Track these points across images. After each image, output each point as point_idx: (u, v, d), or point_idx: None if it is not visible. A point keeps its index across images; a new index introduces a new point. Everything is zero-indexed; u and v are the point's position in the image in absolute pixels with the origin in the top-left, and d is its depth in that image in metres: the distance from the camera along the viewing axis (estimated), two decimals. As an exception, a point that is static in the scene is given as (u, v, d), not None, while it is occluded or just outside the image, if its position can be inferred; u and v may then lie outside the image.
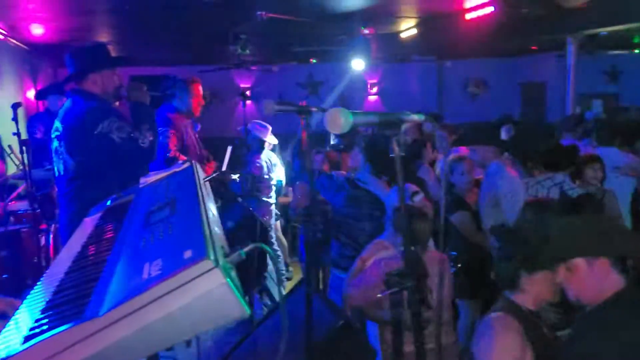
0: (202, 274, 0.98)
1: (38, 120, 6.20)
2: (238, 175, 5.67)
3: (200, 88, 4.47)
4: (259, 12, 6.68)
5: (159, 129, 3.87)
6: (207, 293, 0.98)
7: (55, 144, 3.11)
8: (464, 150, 5.36)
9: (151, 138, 3.03)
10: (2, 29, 7.08)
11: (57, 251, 4.36)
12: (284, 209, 7.05)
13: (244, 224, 3.94)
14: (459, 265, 3.98)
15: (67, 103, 3.17)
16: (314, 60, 13.15)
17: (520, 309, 2.26)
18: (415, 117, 1.61)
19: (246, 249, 1.15)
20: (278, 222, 6.78)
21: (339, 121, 1.50)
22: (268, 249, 1.20)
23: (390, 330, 2.92)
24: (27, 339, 1.07)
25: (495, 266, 2.45)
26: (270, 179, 6.26)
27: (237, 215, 3.92)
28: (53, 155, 3.16)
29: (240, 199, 4.50)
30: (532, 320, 2.25)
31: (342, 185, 3.79)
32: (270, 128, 6.35)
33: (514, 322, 2.18)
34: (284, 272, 6.20)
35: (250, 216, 4.12)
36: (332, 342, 2.92)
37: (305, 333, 2.75)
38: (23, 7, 6.17)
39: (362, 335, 2.96)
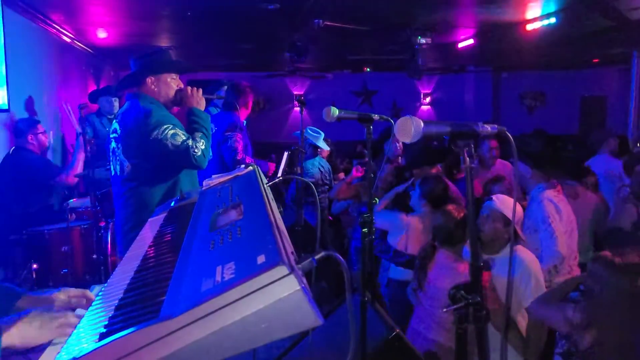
0: (277, 279, 0.96)
1: (86, 121, 6.38)
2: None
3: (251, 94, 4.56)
4: (316, 20, 6.71)
5: (227, 133, 3.91)
6: (281, 299, 0.96)
7: (113, 144, 3.14)
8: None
9: (203, 147, 2.98)
10: (69, 33, 7.34)
11: (114, 248, 4.47)
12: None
13: (299, 231, 3.94)
14: None
15: (125, 105, 3.18)
16: (368, 69, 13.14)
17: None
18: (489, 128, 1.56)
19: (317, 257, 1.13)
20: None
21: (410, 130, 1.46)
22: (339, 257, 1.17)
23: None
24: (102, 336, 1.08)
25: None
26: (324, 185, 6.25)
27: (290, 221, 3.93)
28: (110, 155, 3.19)
29: (294, 205, 4.50)
30: None
31: None
32: (323, 134, 6.35)
33: None
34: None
35: (305, 224, 4.11)
36: (383, 354, 2.89)
37: (360, 343, 2.73)
38: (89, 12, 6.39)
39: (413, 348, 2.92)
